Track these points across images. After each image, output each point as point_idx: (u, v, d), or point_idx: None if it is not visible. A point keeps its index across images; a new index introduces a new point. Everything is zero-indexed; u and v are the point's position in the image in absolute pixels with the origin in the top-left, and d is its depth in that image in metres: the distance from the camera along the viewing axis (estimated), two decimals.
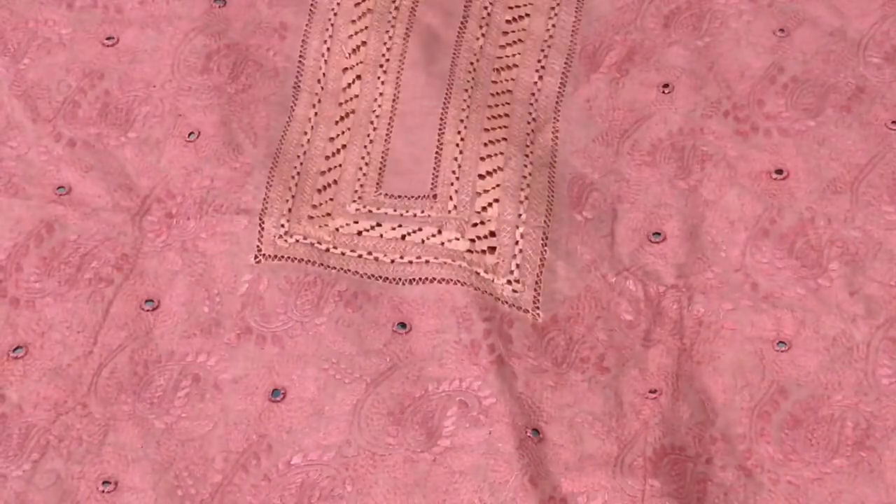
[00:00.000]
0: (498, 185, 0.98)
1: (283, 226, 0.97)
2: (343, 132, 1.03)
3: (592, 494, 0.84)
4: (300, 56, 1.06)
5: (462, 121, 1.02)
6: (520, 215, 0.96)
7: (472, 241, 0.96)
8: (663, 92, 1.03)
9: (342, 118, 1.04)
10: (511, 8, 1.08)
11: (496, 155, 1.00)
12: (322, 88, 1.05)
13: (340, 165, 1.01)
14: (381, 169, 1.01)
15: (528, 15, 1.08)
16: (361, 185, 1.00)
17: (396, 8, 1.08)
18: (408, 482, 0.84)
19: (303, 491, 0.85)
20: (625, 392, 0.89)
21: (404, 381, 0.88)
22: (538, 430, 0.86)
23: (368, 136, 1.03)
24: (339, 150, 1.02)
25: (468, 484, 0.84)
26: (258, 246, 0.96)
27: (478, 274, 0.94)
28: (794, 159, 0.98)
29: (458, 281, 0.93)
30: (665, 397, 0.88)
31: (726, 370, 0.89)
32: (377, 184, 1.00)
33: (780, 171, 0.98)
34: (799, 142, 0.99)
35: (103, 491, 0.85)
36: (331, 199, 0.99)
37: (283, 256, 0.95)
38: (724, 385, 0.89)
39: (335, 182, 1.00)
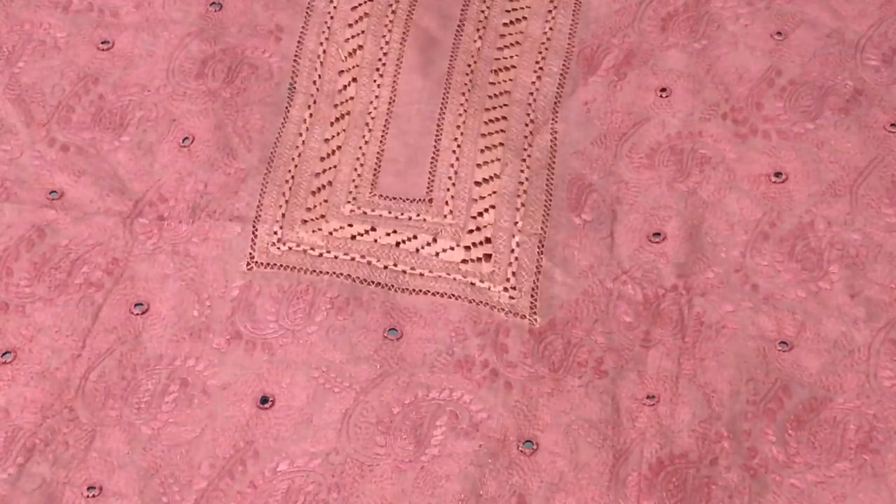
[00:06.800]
0: (494, 192, 0.98)
1: (276, 233, 0.96)
2: (338, 133, 1.03)
3: None
4: (295, 57, 1.06)
5: (459, 126, 1.01)
6: (516, 223, 0.96)
7: (468, 248, 0.95)
8: (661, 96, 1.02)
9: (337, 119, 1.03)
10: (508, 11, 1.08)
11: (493, 161, 1.00)
12: (318, 90, 1.05)
13: (335, 167, 1.01)
14: (376, 169, 1.00)
15: (524, 18, 1.08)
16: (356, 186, 0.99)
17: (393, 11, 1.08)
18: (395, 492, 0.84)
19: (287, 497, 0.84)
20: (622, 397, 0.88)
21: (394, 388, 0.88)
22: (532, 441, 0.86)
23: (364, 137, 1.02)
24: (334, 151, 1.02)
25: (454, 488, 0.84)
26: (251, 253, 0.95)
27: (473, 285, 0.93)
28: (793, 162, 0.98)
29: (453, 295, 0.92)
30: (663, 405, 0.87)
31: (730, 364, 0.89)
32: (372, 184, 0.99)
33: (779, 174, 0.97)
34: (798, 145, 0.98)
35: (88, 496, 0.85)
36: (325, 201, 0.99)
37: (275, 265, 0.95)
38: (729, 377, 0.88)
39: (330, 184, 1.00)
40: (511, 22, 1.08)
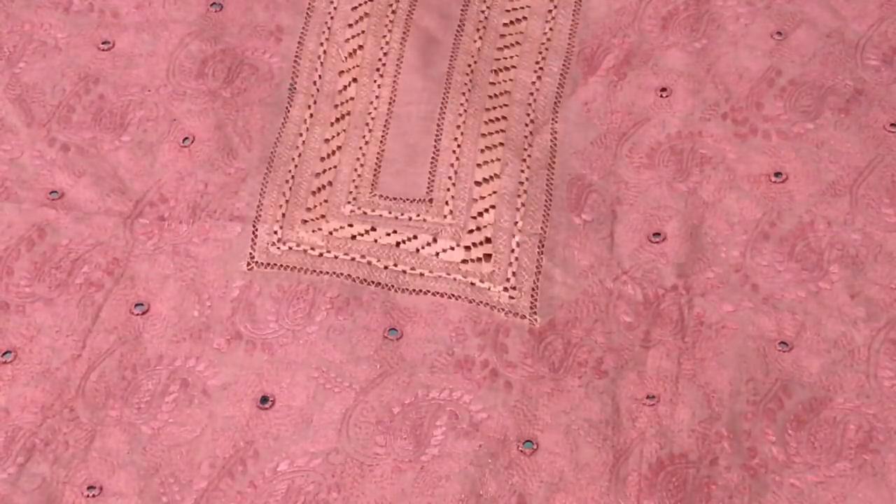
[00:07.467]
0: (494, 192, 0.98)
1: (276, 232, 0.96)
2: (339, 133, 1.03)
3: None
4: (296, 57, 1.06)
5: (459, 126, 1.01)
6: (516, 223, 0.96)
7: (468, 248, 0.95)
8: (661, 96, 1.02)
9: (338, 119, 1.04)
10: (508, 11, 1.08)
11: (493, 161, 1.00)
12: (318, 90, 1.05)
13: (335, 167, 1.01)
14: (376, 169, 1.00)
15: (525, 18, 1.08)
16: (356, 186, 1.00)
17: (393, 11, 1.08)
18: (395, 492, 0.84)
19: (287, 497, 0.84)
20: (622, 397, 0.88)
21: (394, 388, 0.88)
22: (532, 441, 0.86)
23: (364, 137, 1.02)
24: (334, 152, 1.02)
25: (454, 488, 0.84)
26: (251, 253, 0.95)
27: (473, 285, 0.93)
28: (793, 162, 0.98)
29: (453, 295, 0.93)
30: (663, 405, 0.87)
31: (730, 364, 0.89)
32: (372, 185, 0.99)
33: (778, 174, 0.97)
34: (798, 145, 0.98)
35: (88, 496, 0.85)
36: (325, 201, 0.99)
37: (275, 264, 0.95)
38: (729, 377, 0.88)
39: (330, 184, 1.00)
40: (511, 22, 1.08)
